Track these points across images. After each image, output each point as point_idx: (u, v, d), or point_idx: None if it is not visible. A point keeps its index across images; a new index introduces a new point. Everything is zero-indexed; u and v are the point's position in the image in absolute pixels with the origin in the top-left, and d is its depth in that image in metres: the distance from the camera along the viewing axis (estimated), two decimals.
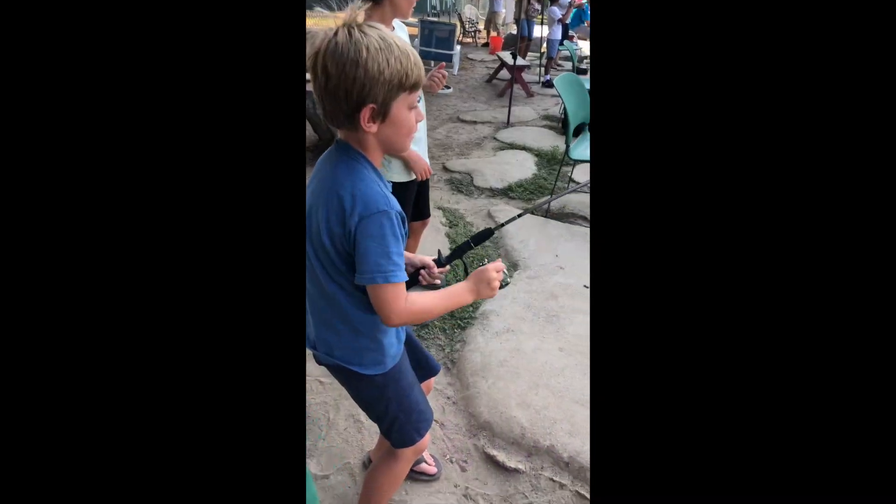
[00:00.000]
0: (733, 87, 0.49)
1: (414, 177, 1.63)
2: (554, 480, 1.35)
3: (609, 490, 0.52)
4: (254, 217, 0.50)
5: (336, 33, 0.71)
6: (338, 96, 0.72)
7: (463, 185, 3.29)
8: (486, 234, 1.01)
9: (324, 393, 1.59)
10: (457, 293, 0.87)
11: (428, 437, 1.01)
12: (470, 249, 1.01)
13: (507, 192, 3.19)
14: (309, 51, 0.73)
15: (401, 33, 1.42)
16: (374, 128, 0.75)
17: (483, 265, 0.90)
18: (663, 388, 0.51)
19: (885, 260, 0.46)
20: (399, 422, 0.96)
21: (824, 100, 0.47)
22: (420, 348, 1.11)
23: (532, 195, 3.16)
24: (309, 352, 0.92)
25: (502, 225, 1.10)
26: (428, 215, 1.91)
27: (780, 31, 0.48)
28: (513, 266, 2.35)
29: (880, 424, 0.46)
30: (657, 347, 0.51)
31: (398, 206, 0.78)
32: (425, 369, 1.09)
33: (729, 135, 0.49)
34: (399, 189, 1.56)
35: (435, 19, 7.85)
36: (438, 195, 3.07)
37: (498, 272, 0.89)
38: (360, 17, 0.73)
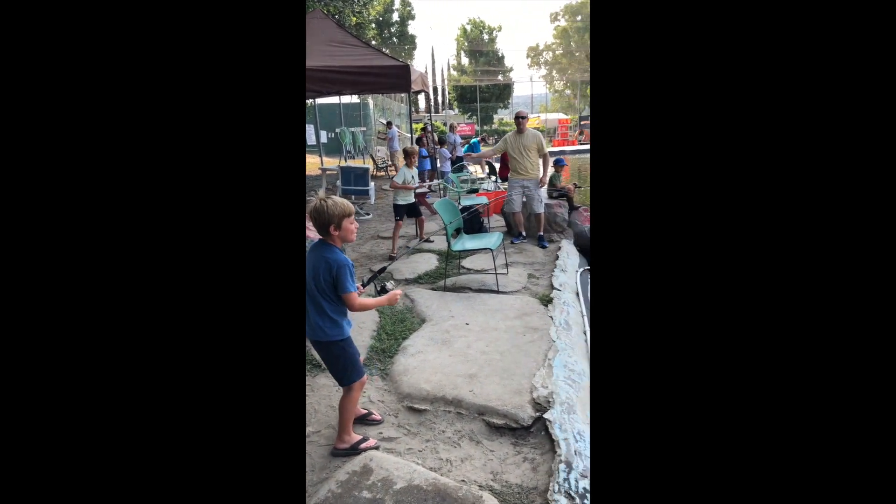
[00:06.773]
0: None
1: (412, 200, 4.23)
2: (447, 411, 2.50)
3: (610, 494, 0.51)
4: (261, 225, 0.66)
5: (320, 200, 2.04)
6: (321, 223, 2.02)
7: (386, 279, 4.60)
8: (382, 269, 2.33)
9: (311, 396, 2.66)
10: (378, 300, 2.15)
11: (366, 376, 2.19)
12: (375, 278, 2.31)
13: (417, 280, 4.52)
14: (309, 207, 2.05)
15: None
16: (336, 233, 2.05)
17: (393, 289, 2.21)
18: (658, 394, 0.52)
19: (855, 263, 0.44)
20: (348, 370, 2.14)
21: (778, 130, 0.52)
22: None
23: (434, 279, 4.52)
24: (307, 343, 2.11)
25: (390, 263, 2.40)
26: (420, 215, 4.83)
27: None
28: (422, 321, 3.59)
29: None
30: (653, 353, 0.52)
31: (350, 262, 2.05)
32: None
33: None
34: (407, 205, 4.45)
35: (352, 164, 9.73)
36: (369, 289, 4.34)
37: (398, 295, 2.19)
38: (324, 195, 2.08)
